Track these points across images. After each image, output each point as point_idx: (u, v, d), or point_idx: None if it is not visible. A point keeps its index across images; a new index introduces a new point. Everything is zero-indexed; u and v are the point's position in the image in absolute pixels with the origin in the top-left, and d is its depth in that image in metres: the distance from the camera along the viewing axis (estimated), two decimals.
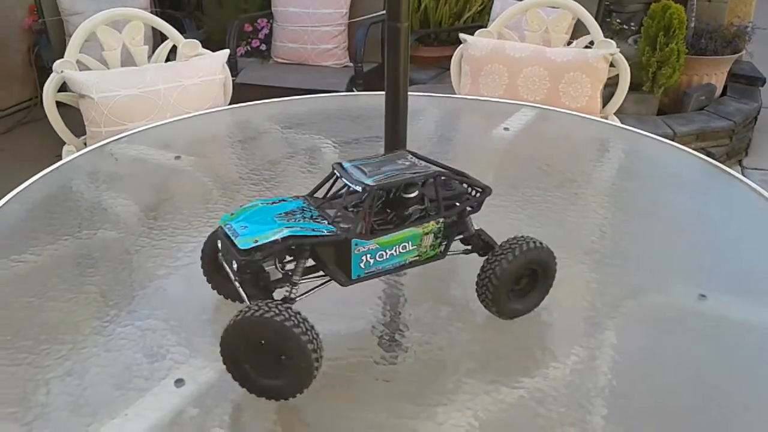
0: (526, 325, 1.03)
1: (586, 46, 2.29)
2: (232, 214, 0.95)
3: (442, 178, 1.00)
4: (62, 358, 0.95)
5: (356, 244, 0.91)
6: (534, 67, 2.15)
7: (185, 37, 2.18)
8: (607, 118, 2.20)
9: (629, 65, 2.19)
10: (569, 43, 2.42)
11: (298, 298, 0.92)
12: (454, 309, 1.07)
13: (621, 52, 2.18)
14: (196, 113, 1.87)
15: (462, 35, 2.31)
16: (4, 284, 1.12)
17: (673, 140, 1.68)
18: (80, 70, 2.00)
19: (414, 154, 1.02)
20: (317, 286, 0.96)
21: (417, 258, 0.98)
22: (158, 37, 3.27)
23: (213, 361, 0.94)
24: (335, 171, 0.97)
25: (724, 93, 3.92)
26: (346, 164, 0.97)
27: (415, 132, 1.28)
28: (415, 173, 0.95)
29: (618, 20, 3.93)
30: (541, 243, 0.98)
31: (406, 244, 0.95)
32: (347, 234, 0.90)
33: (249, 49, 4.01)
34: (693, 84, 3.76)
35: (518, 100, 2.02)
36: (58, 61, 1.96)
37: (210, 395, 0.89)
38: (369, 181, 0.92)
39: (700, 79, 3.77)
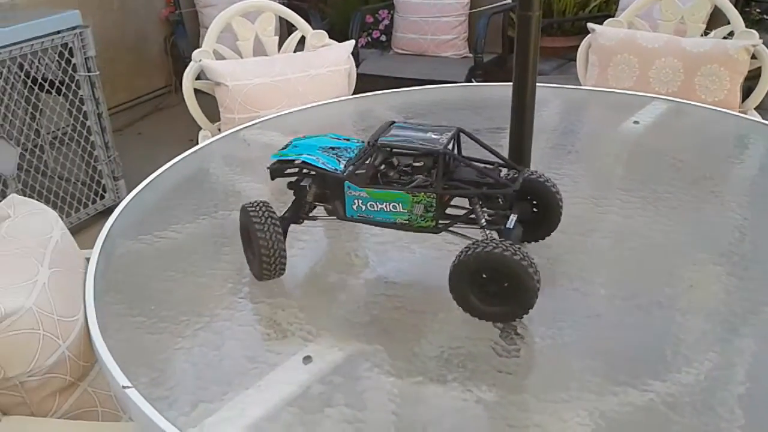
0: (657, 326, 0.99)
1: (725, 37, 2.16)
2: (304, 136, 1.14)
3: (463, 160, 1.05)
4: (200, 329, 1.01)
5: (348, 187, 1.04)
6: (668, 58, 2.05)
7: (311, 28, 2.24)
8: (746, 114, 2.07)
9: None
10: (705, 34, 2.29)
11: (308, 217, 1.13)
12: (582, 305, 1.05)
13: (763, 43, 2.04)
14: (323, 102, 1.92)
15: (590, 24, 2.24)
16: (149, 258, 1.20)
17: None
18: (215, 59, 2.11)
19: (469, 135, 1.07)
20: (327, 216, 1.12)
21: (407, 222, 1.04)
22: (285, 28, 3.38)
23: (339, 341, 0.97)
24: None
25: None
26: (398, 123, 1.09)
27: (540, 123, 1.26)
28: (424, 146, 1.01)
29: (758, 10, 3.67)
30: (506, 249, 0.91)
31: (397, 205, 1.03)
32: (342, 175, 1.03)
33: (370, 39, 4.07)
34: None
35: (649, 93, 1.93)
36: (196, 51, 2.07)
37: (336, 374, 0.92)
38: (381, 140, 1.03)
39: None
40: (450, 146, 1.04)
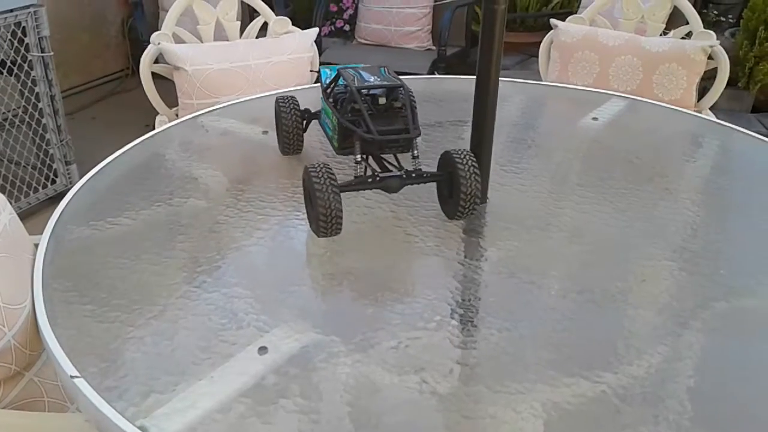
0: (610, 320, 1.01)
1: (683, 37, 2.20)
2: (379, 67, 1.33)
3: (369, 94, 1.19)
4: (153, 318, 0.99)
5: (322, 99, 1.30)
6: (627, 56, 2.08)
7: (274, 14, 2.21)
8: (701, 113, 2.11)
9: None
10: (665, 33, 2.33)
11: None
12: (538, 298, 1.06)
13: (719, 44, 2.08)
14: (284, 90, 1.90)
15: (553, 21, 2.26)
16: (101, 245, 1.17)
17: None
18: (175, 43, 2.06)
19: (407, 96, 1.19)
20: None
21: (330, 138, 1.29)
22: (247, 13, 3.33)
23: (295, 331, 0.96)
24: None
25: None
26: (383, 69, 1.25)
27: (501, 117, 1.27)
28: (350, 83, 1.18)
29: (715, 12, 3.75)
30: (314, 174, 1.09)
31: (329, 121, 1.27)
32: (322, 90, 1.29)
33: (333, 29, 4.04)
34: None
35: (608, 90, 1.96)
36: (155, 33, 2.02)
37: (292, 364, 0.91)
38: (340, 69, 1.24)
39: None
40: (378, 91, 1.18)
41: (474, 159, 1.16)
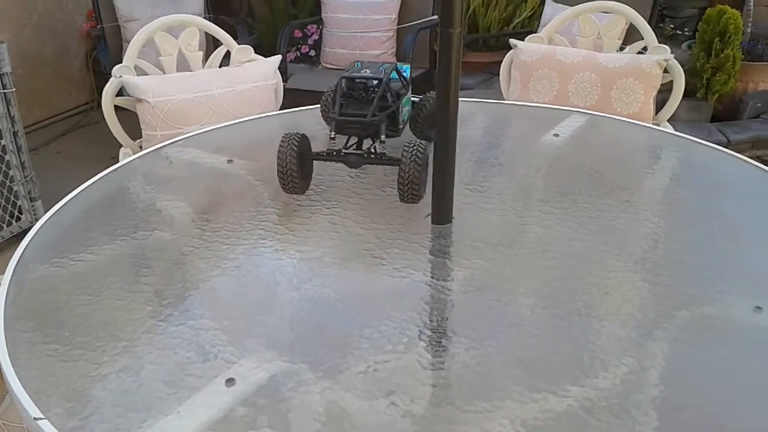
0: (575, 333, 1.02)
1: (639, 52, 2.25)
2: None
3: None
4: (118, 355, 0.98)
5: None
6: (585, 72, 2.12)
7: (238, 43, 2.22)
8: (659, 125, 2.16)
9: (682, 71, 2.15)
10: (621, 49, 2.38)
11: None
12: (504, 315, 1.07)
13: (674, 57, 2.13)
14: (249, 118, 1.90)
15: (512, 40, 2.30)
16: (64, 282, 1.16)
17: (727, 148, 1.64)
18: (137, 75, 2.06)
19: (388, 87, 1.39)
20: None
21: None
22: (211, 43, 3.33)
23: (263, 361, 0.96)
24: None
25: None
26: (392, 66, 1.43)
27: (464, 137, 1.29)
28: (359, 74, 1.38)
29: (671, 25, 3.84)
30: (285, 142, 1.29)
31: None
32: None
33: (299, 54, 4.06)
34: (748, 91, 3.65)
35: (568, 106, 1.99)
36: (117, 66, 2.02)
37: (260, 395, 0.90)
38: (355, 62, 1.44)
39: (756, 85, 3.65)
40: (360, 80, 1.36)
41: (422, 148, 1.29)
